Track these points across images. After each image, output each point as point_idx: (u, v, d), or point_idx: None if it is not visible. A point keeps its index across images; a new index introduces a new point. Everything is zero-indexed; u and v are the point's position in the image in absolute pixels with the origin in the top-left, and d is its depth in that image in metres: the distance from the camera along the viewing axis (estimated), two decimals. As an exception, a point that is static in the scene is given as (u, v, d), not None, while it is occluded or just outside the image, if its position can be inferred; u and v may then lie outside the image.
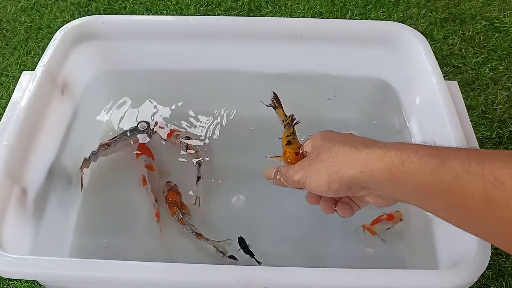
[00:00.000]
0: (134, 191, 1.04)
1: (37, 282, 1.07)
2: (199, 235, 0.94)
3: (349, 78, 1.11)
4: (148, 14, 1.61)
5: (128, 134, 1.10)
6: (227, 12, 1.62)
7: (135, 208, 1.01)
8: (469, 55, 1.49)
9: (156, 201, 0.98)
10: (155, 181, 1.02)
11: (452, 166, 0.52)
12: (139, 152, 1.07)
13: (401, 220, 0.96)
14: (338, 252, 0.97)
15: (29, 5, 1.66)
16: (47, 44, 0.99)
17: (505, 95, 1.39)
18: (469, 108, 1.33)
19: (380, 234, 0.95)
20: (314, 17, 1.59)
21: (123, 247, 0.96)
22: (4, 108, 1.04)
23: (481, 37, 1.53)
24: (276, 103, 0.91)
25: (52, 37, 1.00)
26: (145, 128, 1.12)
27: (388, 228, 0.96)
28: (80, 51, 1.04)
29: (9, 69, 1.47)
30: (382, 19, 1.57)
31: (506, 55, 1.49)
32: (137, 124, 1.12)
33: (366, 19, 1.57)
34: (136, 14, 1.61)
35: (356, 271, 0.72)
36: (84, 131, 1.08)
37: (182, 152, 1.08)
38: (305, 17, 1.59)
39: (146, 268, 0.70)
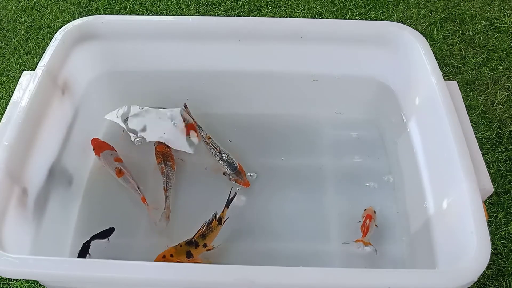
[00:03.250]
0: (134, 192, 1.04)
1: (37, 282, 1.07)
2: (165, 190, 1.00)
3: (349, 78, 1.11)
4: (148, 14, 1.61)
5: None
6: (227, 12, 1.62)
7: (135, 209, 1.01)
8: (469, 55, 1.49)
9: (138, 188, 1.00)
10: (128, 170, 1.04)
11: None
12: (100, 149, 1.07)
13: (375, 212, 0.98)
14: (338, 252, 0.97)
15: (29, 5, 1.66)
16: (48, 44, 0.99)
17: (505, 95, 1.39)
18: (469, 108, 1.34)
19: (372, 238, 0.96)
20: (314, 17, 1.59)
21: (123, 247, 0.96)
22: (4, 108, 1.05)
23: (481, 37, 1.53)
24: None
25: (52, 37, 1.00)
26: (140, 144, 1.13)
27: (376, 226, 0.97)
28: (81, 51, 1.04)
29: (10, 69, 1.47)
30: (382, 20, 1.57)
31: (506, 55, 1.49)
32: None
33: (366, 19, 1.58)
34: (137, 14, 1.61)
35: (356, 271, 0.72)
36: (84, 131, 1.08)
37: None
38: (305, 17, 1.59)
39: (146, 268, 0.70)
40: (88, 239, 0.93)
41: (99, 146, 1.07)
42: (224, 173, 1.04)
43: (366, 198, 1.03)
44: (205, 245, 0.91)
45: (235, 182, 1.03)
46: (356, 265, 0.94)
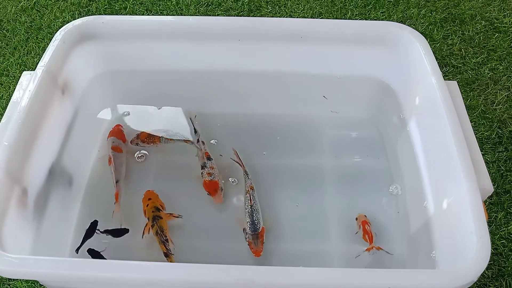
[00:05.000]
0: (133, 192, 1.04)
1: (37, 282, 1.07)
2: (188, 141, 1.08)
3: (348, 78, 1.11)
4: (148, 14, 1.61)
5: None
6: (227, 12, 1.62)
7: (134, 209, 1.01)
8: (469, 55, 1.49)
9: (117, 182, 1.01)
10: (120, 163, 1.05)
11: None
12: (110, 133, 1.11)
13: (365, 216, 0.99)
14: (338, 252, 0.97)
15: (29, 5, 1.66)
16: (48, 44, 0.99)
17: (505, 95, 1.39)
18: (469, 108, 1.34)
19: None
20: (314, 17, 1.59)
21: (123, 247, 0.96)
22: (4, 108, 1.05)
23: (481, 37, 1.53)
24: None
25: (52, 37, 1.00)
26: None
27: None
28: (81, 51, 1.04)
29: (10, 69, 1.47)
30: (382, 20, 1.57)
31: (506, 55, 1.49)
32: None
33: (366, 19, 1.58)
34: (136, 14, 1.61)
35: (356, 271, 0.72)
36: (84, 131, 1.08)
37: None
38: (305, 17, 1.59)
39: (146, 268, 0.70)
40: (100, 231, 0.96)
41: (112, 131, 1.11)
42: (244, 229, 0.97)
43: (365, 198, 1.03)
44: (153, 225, 0.95)
45: (248, 243, 0.95)
46: (356, 265, 0.94)
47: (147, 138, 1.11)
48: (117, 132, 1.11)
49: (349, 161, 1.11)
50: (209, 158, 1.06)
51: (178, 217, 0.98)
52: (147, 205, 0.98)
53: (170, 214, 0.98)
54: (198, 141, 1.10)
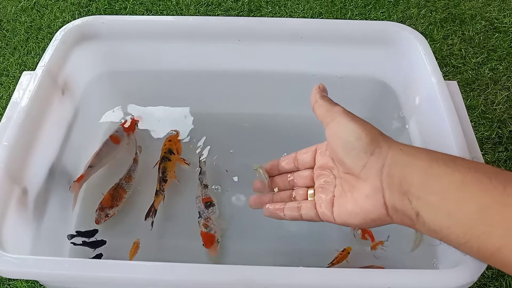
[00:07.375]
0: (133, 191, 1.04)
1: (37, 282, 1.07)
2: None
3: (348, 78, 1.11)
4: (148, 14, 1.61)
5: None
6: (227, 12, 1.62)
7: (135, 208, 1.01)
8: (469, 55, 1.49)
9: (89, 167, 1.01)
10: (107, 151, 1.05)
11: None
12: (124, 123, 1.13)
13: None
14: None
15: (29, 5, 1.66)
16: (48, 44, 0.99)
17: (505, 95, 1.39)
18: (469, 108, 1.34)
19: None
20: (314, 17, 1.59)
21: (123, 247, 0.96)
22: (4, 108, 1.04)
23: (481, 37, 1.53)
24: None
25: (52, 37, 1.00)
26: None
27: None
28: (81, 51, 1.04)
29: (10, 69, 1.48)
30: (382, 20, 1.57)
31: (506, 55, 1.49)
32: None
33: (366, 19, 1.58)
34: (136, 14, 1.61)
35: (356, 271, 0.72)
36: (84, 131, 1.08)
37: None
38: (305, 17, 1.59)
39: (146, 268, 0.70)
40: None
41: (129, 121, 1.14)
42: None
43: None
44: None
45: None
46: (356, 265, 0.94)
47: (112, 200, 1.00)
48: (129, 128, 1.11)
49: (349, 161, 1.10)
50: (207, 206, 0.98)
51: (187, 164, 1.06)
52: (164, 145, 1.06)
53: (182, 159, 1.05)
54: (201, 182, 1.04)
